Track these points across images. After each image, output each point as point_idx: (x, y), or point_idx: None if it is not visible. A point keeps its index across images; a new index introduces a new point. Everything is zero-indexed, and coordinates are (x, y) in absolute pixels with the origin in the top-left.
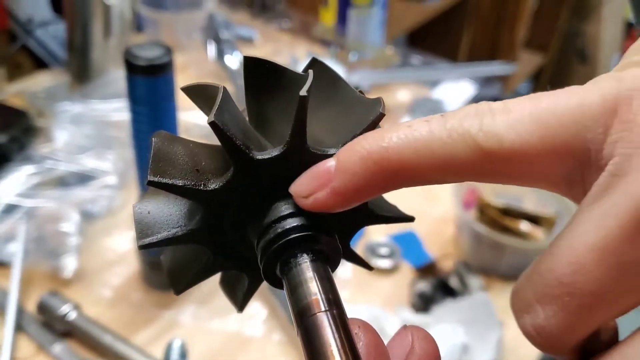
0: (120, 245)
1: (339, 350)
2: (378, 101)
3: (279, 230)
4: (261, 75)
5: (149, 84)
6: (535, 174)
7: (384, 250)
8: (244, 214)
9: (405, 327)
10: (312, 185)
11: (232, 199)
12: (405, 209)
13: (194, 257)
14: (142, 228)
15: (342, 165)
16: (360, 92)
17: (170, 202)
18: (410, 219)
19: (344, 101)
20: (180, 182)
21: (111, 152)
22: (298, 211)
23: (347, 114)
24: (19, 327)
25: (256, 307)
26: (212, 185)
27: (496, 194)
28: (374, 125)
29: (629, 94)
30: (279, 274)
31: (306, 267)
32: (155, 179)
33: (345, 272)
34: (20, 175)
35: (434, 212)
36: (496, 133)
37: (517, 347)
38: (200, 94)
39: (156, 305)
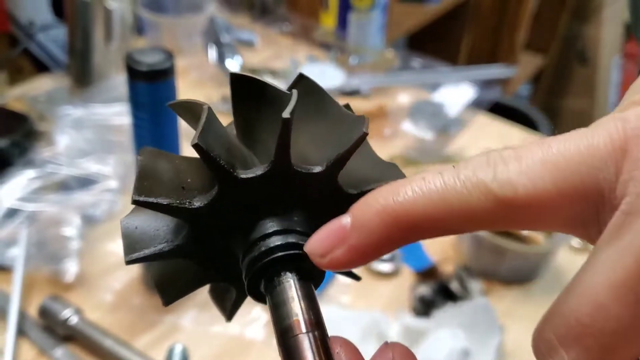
0: (122, 249)
1: None
2: (362, 120)
3: (263, 248)
4: (247, 92)
5: (151, 89)
6: (551, 218)
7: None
8: (230, 230)
9: (386, 344)
10: (328, 244)
11: (217, 216)
12: None
13: (182, 269)
14: (129, 243)
15: (358, 222)
16: (347, 106)
17: (157, 217)
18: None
19: (330, 117)
20: (165, 201)
21: (112, 156)
22: (282, 229)
23: (333, 130)
24: (20, 332)
25: (257, 311)
26: (197, 204)
27: None
28: (356, 145)
29: (636, 133)
30: (263, 290)
31: (289, 285)
32: (140, 198)
33: (345, 277)
34: (22, 180)
35: None
36: (510, 181)
37: (517, 351)
38: (187, 111)
39: (157, 309)
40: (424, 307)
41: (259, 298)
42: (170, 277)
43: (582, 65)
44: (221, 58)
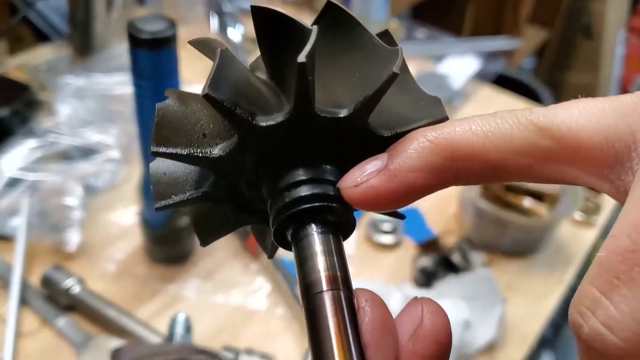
0: (124, 219)
1: (337, 334)
2: (396, 52)
3: (289, 199)
4: (269, 26)
5: (153, 57)
6: (585, 160)
7: (386, 226)
8: (256, 177)
9: (416, 300)
10: (362, 174)
11: (241, 163)
12: None
13: (218, 212)
14: (158, 190)
15: (396, 151)
16: (386, 34)
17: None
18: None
19: (361, 50)
20: (184, 151)
21: (114, 126)
22: (309, 179)
23: (364, 65)
24: (23, 301)
25: (259, 281)
26: (218, 152)
27: None
28: (387, 85)
29: None
30: (289, 239)
31: (317, 239)
32: (159, 150)
33: (348, 248)
34: (23, 149)
35: None
36: (555, 120)
37: (518, 323)
38: (207, 48)
39: (160, 279)
40: (426, 279)
41: (286, 246)
42: (207, 218)
43: (586, 39)
44: (223, 27)
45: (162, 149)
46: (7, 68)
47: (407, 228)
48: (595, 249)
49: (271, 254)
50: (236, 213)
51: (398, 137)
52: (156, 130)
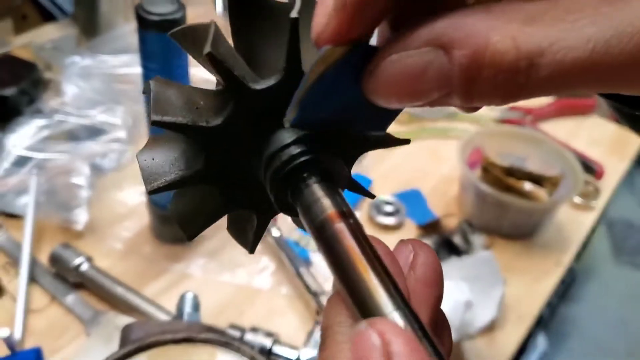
0: (131, 198)
1: (362, 253)
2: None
3: (285, 157)
4: (245, 9)
5: (161, 39)
6: None
7: (389, 208)
8: (249, 147)
9: (402, 241)
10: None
11: (234, 134)
12: (411, 167)
13: (201, 202)
14: (148, 174)
15: None
16: None
17: (172, 147)
18: (406, 141)
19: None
20: (183, 120)
21: (121, 106)
22: (300, 137)
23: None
24: (32, 279)
25: (264, 260)
26: (214, 121)
27: (500, 154)
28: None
29: None
30: (291, 199)
31: (316, 187)
32: (159, 118)
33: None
34: (30, 128)
35: (439, 171)
36: None
37: (518, 304)
38: (189, 36)
39: (166, 258)
40: None
41: (289, 209)
42: (190, 212)
43: None
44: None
45: (163, 118)
46: (12, 47)
47: (409, 210)
48: (593, 232)
49: (252, 247)
50: (224, 197)
51: None
52: (154, 102)
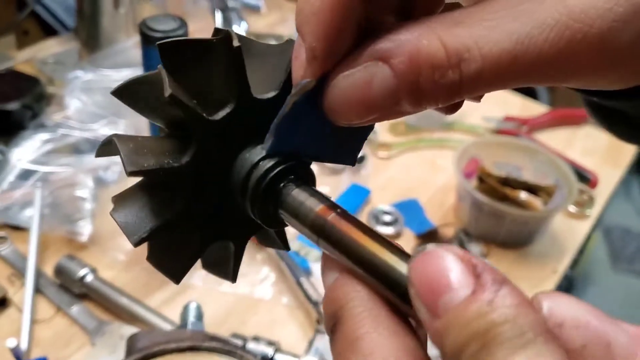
0: None
1: (363, 232)
2: (289, 43)
3: (261, 171)
4: (179, 53)
5: None
6: None
7: (387, 218)
8: (219, 176)
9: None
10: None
11: (205, 166)
12: (409, 178)
13: (177, 246)
14: (129, 231)
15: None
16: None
17: (144, 198)
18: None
19: (257, 55)
20: (154, 166)
21: (123, 119)
22: (266, 154)
23: (265, 64)
24: (37, 290)
25: (265, 271)
26: (184, 159)
27: (496, 164)
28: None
29: None
30: (273, 210)
31: (297, 191)
32: (135, 169)
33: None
34: (34, 142)
35: (436, 181)
36: None
37: None
38: (135, 94)
39: None
40: None
41: (274, 223)
42: (169, 258)
43: None
44: (227, 23)
45: (137, 168)
46: (15, 62)
47: (407, 220)
48: (588, 239)
49: (234, 276)
50: (203, 230)
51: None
52: (126, 156)
